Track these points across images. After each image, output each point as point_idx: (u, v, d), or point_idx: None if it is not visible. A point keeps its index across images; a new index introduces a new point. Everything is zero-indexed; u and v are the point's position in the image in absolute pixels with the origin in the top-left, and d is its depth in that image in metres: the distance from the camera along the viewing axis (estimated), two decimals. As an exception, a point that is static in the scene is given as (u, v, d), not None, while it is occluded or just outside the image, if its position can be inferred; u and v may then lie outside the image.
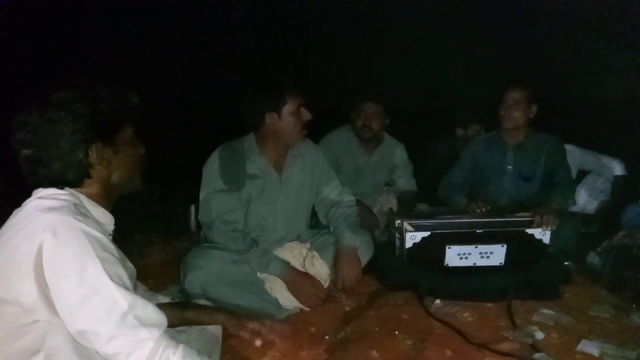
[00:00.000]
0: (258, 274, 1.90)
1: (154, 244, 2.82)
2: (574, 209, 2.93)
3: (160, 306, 1.40)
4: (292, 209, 2.10)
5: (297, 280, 1.90)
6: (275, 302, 1.87)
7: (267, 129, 1.94)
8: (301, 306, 1.91)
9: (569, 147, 3.00)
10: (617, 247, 2.06)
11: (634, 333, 1.73)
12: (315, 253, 2.04)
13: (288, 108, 1.91)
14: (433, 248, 2.08)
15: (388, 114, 2.76)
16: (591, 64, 3.70)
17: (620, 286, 1.97)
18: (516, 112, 2.48)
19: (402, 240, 2.11)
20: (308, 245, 2.10)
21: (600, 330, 1.75)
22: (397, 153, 2.92)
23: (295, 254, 2.01)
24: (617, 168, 3.02)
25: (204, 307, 1.46)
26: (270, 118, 1.91)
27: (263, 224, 2.04)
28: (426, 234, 2.07)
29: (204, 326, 1.45)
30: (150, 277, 2.31)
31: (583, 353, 1.59)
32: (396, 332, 1.71)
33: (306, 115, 1.95)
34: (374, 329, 1.75)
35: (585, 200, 3.05)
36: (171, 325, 1.38)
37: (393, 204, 2.74)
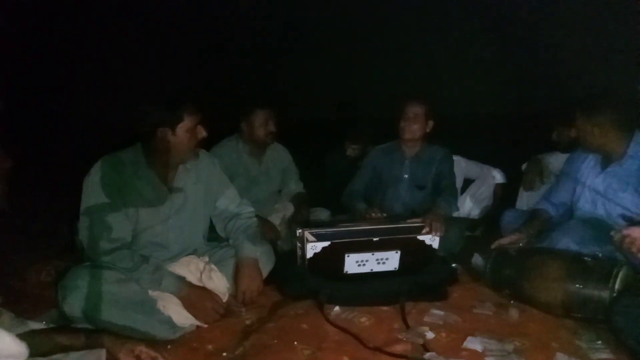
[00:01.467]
0: (149, 292, 1.78)
1: (33, 264, 2.54)
2: (460, 214, 3.18)
3: (30, 334, 1.26)
4: (187, 225, 1.99)
5: (194, 295, 1.81)
6: (169, 321, 1.75)
7: (157, 143, 1.81)
8: (198, 323, 1.83)
9: (455, 158, 3.25)
10: (497, 249, 2.24)
11: (512, 328, 1.89)
12: (213, 266, 1.96)
13: (184, 125, 1.81)
14: (333, 257, 2.12)
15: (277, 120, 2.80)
16: (472, 84, 4.05)
17: (500, 284, 2.15)
18: (415, 124, 2.68)
19: (304, 250, 2.12)
20: (206, 259, 2.02)
21: (484, 327, 1.88)
22: (284, 156, 2.98)
23: (191, 268, 1.92)
24: (497, 176, 3.34)
25: (83, 330, 1.33)
26: (162, 133, 1.79)
27: (155, 241, 1.91)
28: (326, 243, 2.10)
29: (86, 351, 1.33)
30: (28, 301, 2.08)
31: (468, 349, 1.69)
32: (295, 343, 1.70)
33: (202, 133, 1.87)
34: (273, 342, 1.72)
35: (470, 206, 3.32)
36: (43, 353, 1.25)
37: (290, 209, 2.78)
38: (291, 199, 2.92)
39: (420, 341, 1.74)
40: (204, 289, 1.87)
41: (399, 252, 2.17)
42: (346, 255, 2.13)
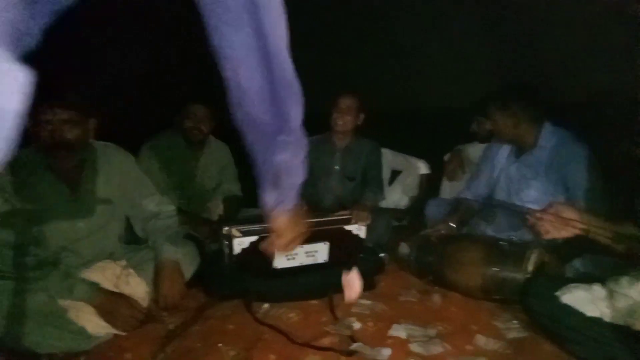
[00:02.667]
0: (59, 301, 1.65)
1: None
2: (389, 204, 3.25)
3: None
4: (99, 228, 1.86)
5: (109, 303, 1.69)
6: (82, 331, 1.63)
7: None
8: (115, 331, 1.72)
9: (382, 150, 3.31)
10: (421, 237, 2.30)
11: (435, 313, 1.95)
12: (130, 271, 1.85)
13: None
14: (261, 252, 2.07)
15: (216, 116, 2.69)
16: (399, 78, 4.14)
17: (424, 271, 2.22)
18: (348, 116, 2.71)
19: (231, 247, 2.05)
20: (123, 262, 1.90)
21: (408, 314, 1.93)
22: (223, 154, 2.88)
23: (106, 274, 1.79)
24: (422, 167, 3.43)
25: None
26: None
27: (65, 246, 1.77)
28: (254, 238, 2.06)
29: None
30: None
31: (393, 337, 1.72)
32: (219, 345, 1.64)
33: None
34: (196, 345, 1.65)
35: (398, 196, 3.39)
36: None
37: (222, 209, 2.69)
38: (223, 200, 2.83)
39: (348, 332, 1.75)
40: (120, 295, 1.76)
41: (328, 243, 2.17)
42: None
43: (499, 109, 2.27)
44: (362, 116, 2.76)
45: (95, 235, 1.84)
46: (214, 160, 2.82)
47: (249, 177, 3.16)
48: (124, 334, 1.72)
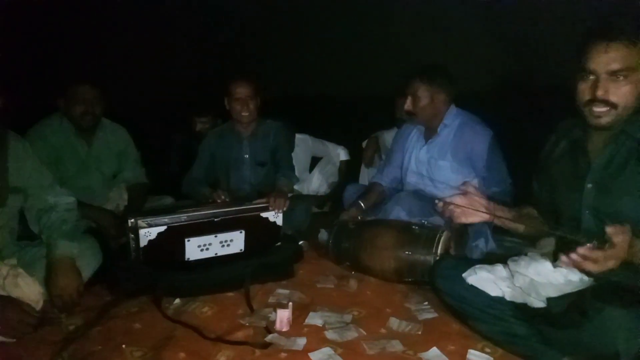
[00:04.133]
0: None
1: None
2: (309, 191, 3.24)
3: None
4: None
5: None
6: (-41, 342, 1.46)
7: None
8: (4, 339, 1.54)
9: (302, 137, 3.30)
10: (338, 223, 2.31)
11: (351, 298, 1.97)
12: (20, 270, 1.66)
13: None
14: (171, 243, 1.97)
15: (106, 95, 2.49)
16: (321, 65, 4.12)
17: (341, 257, 2.23)
18: (250, 104, 2.61)
19: (137, 240, 1.92)
20: (13, 261, 1.71)
21: (326, 300, 1.92)
22: (120, 138, 2.67)
23: (-9, 275, 1.61)
24: (342, 154, 3.47)
25: None
26: None
27: None
28: (162, 228, 1.93)
29: None
30: None
31: (309, 325, 1.71)
32: (123, 346, 1.53)
33: None
34: (97, 348, 1.53)
35: (319, 182, 3.40)
36: None
37: (125, 199, 2.51)
38: (128, 189, 2.64)
39: (263, 324, 1.71)
40: (8, 298, 1.58)
41: (243, 231, 2.10)
42: (186, 239, 1.99)
43: (423, 83, 2.28)
44: (259, 100, 2.67)
45: None
46: (109, 144, 2.60)
47: (154, 162, 2.99)
48: (13, 340, 1.55)
